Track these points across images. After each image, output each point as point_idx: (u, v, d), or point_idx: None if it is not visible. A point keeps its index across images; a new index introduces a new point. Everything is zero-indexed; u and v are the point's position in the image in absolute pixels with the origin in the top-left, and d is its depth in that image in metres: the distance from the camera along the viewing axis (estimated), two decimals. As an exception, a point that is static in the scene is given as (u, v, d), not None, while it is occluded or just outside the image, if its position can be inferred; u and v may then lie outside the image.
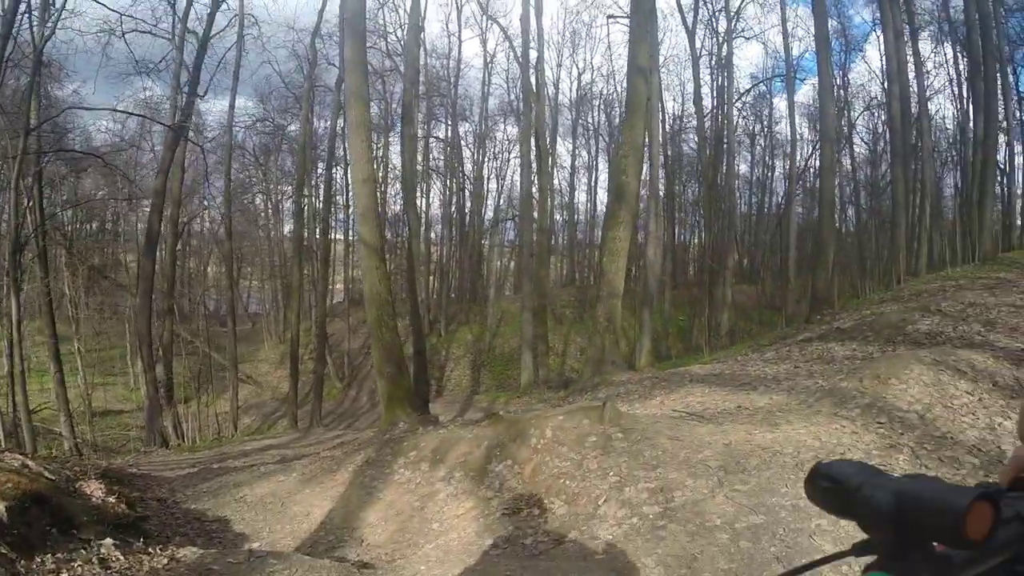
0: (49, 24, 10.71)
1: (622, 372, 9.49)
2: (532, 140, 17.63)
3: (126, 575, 3.23)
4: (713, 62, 25.59)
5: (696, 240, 32.85)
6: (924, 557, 0.57)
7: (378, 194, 12.84)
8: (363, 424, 15.61)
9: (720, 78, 24.78)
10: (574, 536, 3.35)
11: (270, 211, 31.00)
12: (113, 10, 12.65)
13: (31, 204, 9.91)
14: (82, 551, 3.34)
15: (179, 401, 15.33)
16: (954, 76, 22.47)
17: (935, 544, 0.57)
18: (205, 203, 23.22)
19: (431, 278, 30.75)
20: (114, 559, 3.39)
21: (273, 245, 30.43)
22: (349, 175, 17.74)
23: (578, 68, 39.50)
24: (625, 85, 15.51)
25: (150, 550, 3.65)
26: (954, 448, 3.40)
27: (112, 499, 4.30)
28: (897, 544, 0.57)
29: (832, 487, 0.62)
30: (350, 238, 26.85)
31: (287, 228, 28.94)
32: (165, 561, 3.50)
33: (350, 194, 20.27)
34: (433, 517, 4.22)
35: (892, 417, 3.80)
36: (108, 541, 3.53)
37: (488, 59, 28.40)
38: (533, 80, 17.51)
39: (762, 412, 4.37)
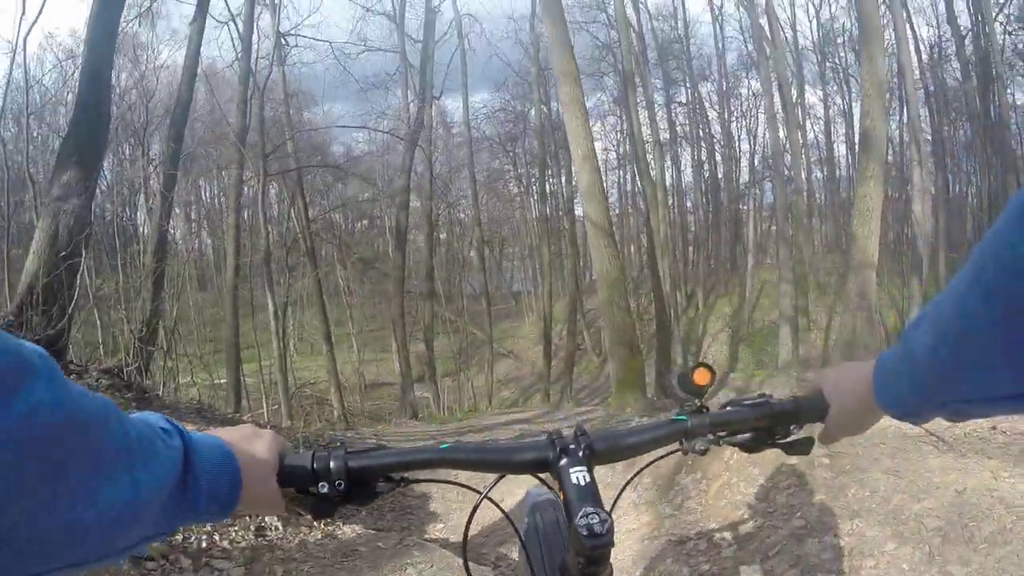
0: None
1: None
2: (775, 91, 15.68)
3: (277, 543, 3.38)
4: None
5: (972, 190, 26.43)
6: None
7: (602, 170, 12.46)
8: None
9: (973, -13, 18.30)
10: (723, 592, 2.69)
11: (523, 194, 32.30)
12: (344, 42, 14.22)
13: (296, 211, 11.45)
14: (245, 518, 3.54)
15: (441, 375, 16.64)
16: None
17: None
18: (458, 193, 24.98)
19: (689, 248, 29.59)
20: (272, 528, 3.60)
21: (528, 226, 31.71)
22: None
23: (814, 4, 33.95)
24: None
25: (314, 524, 3.78)
26: None
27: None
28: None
29: None
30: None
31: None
32: (319, 536, 3.63)
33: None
34: (607, 523, 3.78)
35: None
36: (276, 508, 3.71)
37: (716, 11, 26.00)
38: (765, 25, 15.50)
39: (1022, 441, 3.12)
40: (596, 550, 0.69)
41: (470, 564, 0.96)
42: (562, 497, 0.78)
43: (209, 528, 3.37)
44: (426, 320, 16.74)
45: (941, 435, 3.43)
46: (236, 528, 3.52)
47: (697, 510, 3.82)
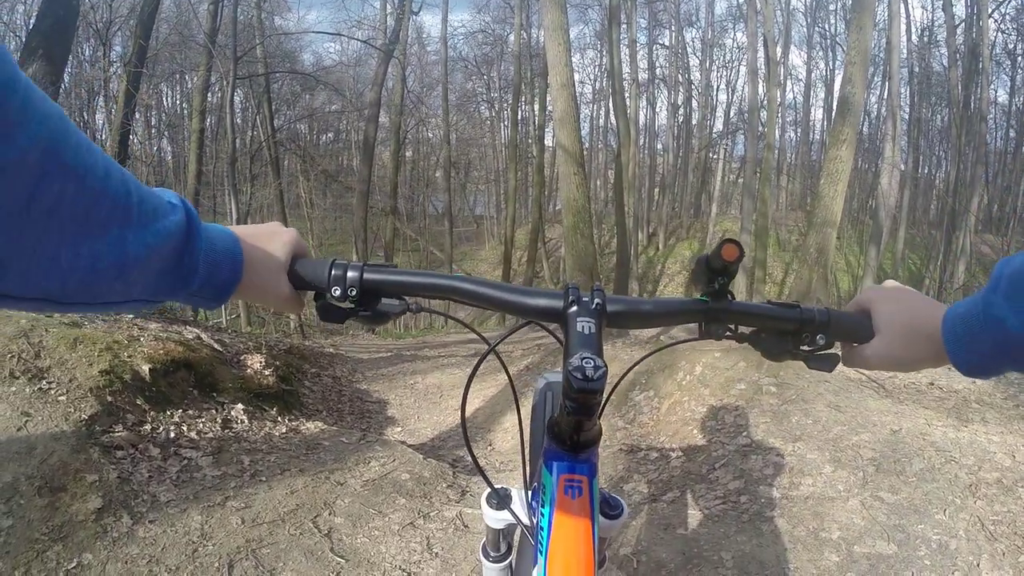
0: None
1: (825, 312, 8.20)
2: (760, 47, 15.57)
3: (243, 435, 3.49)
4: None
5: (940, 174, 26.62)
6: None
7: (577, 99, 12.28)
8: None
9: (975, -21, 18.17)
10: (670, 497, 2.89)
11: (494, 119, 31.80)
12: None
13: (261, 119, 11.04)
14: (212, 411, 3.66)
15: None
16: None
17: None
18: (428, 112, 24.46)
19: (655, 190, 29.72)
20: (238, 421, 3.69)
21: (497, 151, 31.37)
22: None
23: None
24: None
25: (279, 419, 3.93)
26: None
27: (267, 371, 4.67)
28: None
29: None
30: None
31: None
32: (284, 430, 3.75)
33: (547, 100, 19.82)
34: (561, 435, 3.98)
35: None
36: (239, 406, 3.84)
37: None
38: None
39: (956, 398, 3.35)
40: (584, 393, 0.65)
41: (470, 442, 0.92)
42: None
43: (177, 419, 3.45)
44: (387, 236, 16.63)
45: (882, 382, 3.68)
46: (203, 420, 3.59)
47: (648, 424, 4.04)
